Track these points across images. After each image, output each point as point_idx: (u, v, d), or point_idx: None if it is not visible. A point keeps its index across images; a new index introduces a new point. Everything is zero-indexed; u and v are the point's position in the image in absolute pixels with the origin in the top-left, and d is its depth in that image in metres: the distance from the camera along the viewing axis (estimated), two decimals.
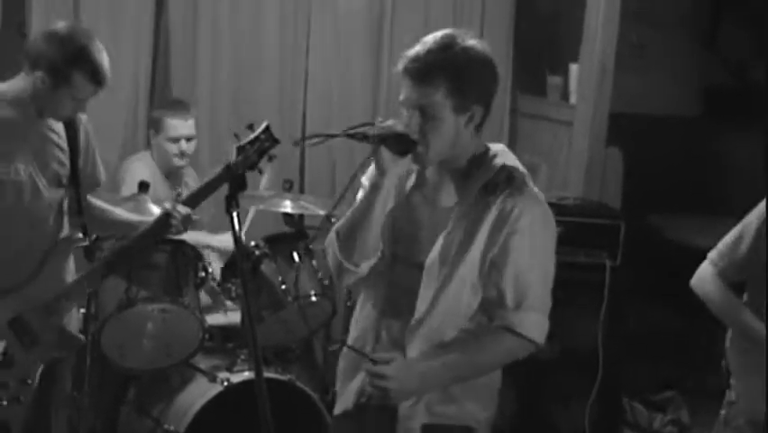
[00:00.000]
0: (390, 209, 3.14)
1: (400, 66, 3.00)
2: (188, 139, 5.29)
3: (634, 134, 6.64)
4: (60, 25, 3.65)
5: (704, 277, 3.88)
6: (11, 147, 3.61)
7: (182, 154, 5.27)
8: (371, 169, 3.11)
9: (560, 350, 5.29)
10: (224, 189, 3.34)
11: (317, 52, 6.23)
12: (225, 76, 5.99)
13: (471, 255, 3.06)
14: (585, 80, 6.19)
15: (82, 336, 3.97)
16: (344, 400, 3.27)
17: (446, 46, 2.98)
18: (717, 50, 7.27)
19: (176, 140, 5.25)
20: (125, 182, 5.09)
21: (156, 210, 4.47)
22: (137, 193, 4.58)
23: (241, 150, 3.37)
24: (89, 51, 3.55)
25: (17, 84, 3.64)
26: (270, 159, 3.43)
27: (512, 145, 6.79)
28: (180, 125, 5.26)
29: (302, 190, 6.14)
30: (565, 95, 6.46)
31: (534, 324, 3.15)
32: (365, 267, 3.12)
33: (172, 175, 5.34)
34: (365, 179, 3.18)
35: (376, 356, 3.07)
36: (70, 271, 3.90)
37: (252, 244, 4.76)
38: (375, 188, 3.03)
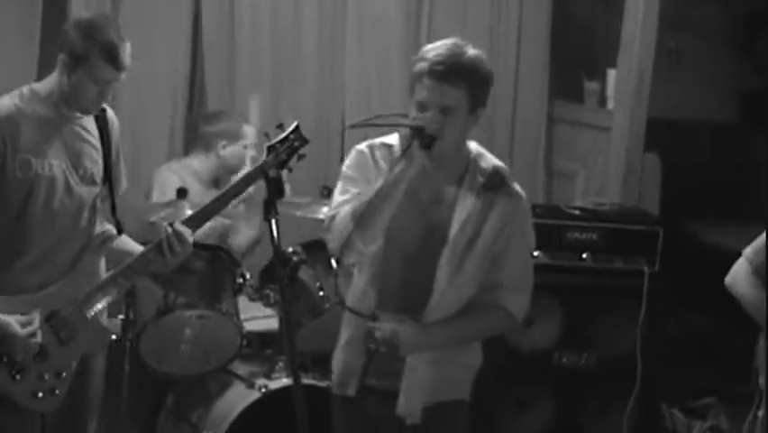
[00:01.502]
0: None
1: (423, 67, 3.29)
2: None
3: (671, 140, 6.61)
4: (87, 14, 3.78)
5: (739, 273, 3.90)
6: (44, 143, 3.64)
7: (251, 160, 5.32)
8: (354, 161, 3.49)
9: (598, 357, 5.28)
10: None
11: (354, 59, 6.25)
12: (264, 83, 6.01)
13: (478, 248, 3.44)
14: (623, 86, 6.18)
15: (112, 332, 4.02)
16: (345, 385, 3.61)
17: (462, 52, 3.31)
18: (754, 56, 7.24)
19: (251, 146, 5.35)
20: (154, 192, 5.12)
21: None
22: (175, 199, 4.59)
23: (271, 149, 3.53)
24: (105, 32, 3.57)
25: (50, 81, 3.69)
26: (300, 158, 3.57)
27: (549, 151, 6.79)
28: (252, 132, 5.40)
29: None
30: (602, 101, 6.45)
31: (520, 304, 3.56)
32: (372, 248, 3.40)
33: (218, 183, 5.39)
34: (348, 170, 3.50)
35: (382, 324, 3.44)
36: (104, 268, 3.90)
37: (290, 250, 4.77)
38: (403, 175, 3.30)
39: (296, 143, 3.54)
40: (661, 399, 5.70)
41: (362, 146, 3.53)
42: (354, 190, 3.42)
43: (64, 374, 3.75)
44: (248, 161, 5.34)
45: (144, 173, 5.62)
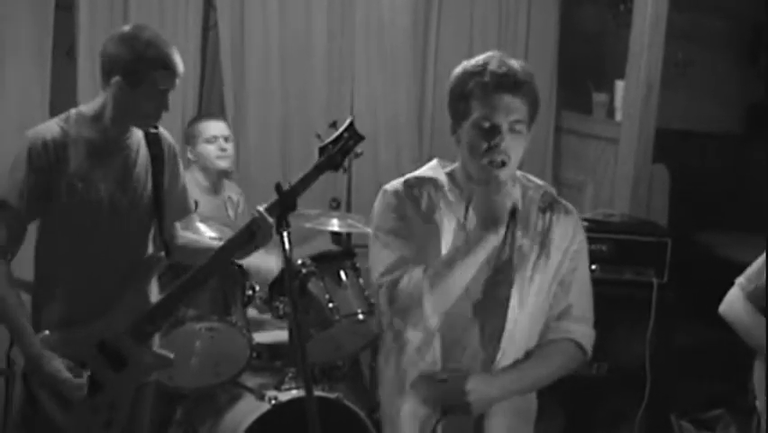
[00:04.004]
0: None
1: (483, 81, 2.93)
2: (226, 139, 5.37)
3: (680, 151, 6.62)
4: (124, 28, 3.60)
5: (733, 300, 3.93)
6: (91, 166, 3.54)
7: (223, 151, 5.34)
8: (389, 206, 3.15)
9: (607, 368, 5.27)
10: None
11: (363, 65, 6.28)
12: (273, 90, 6.04)
13: (545, 275, 3.12)
14: (631, 97, 6.18)
15: (171, 355, 3.77)
16: None
17: (514, 62, 2.97)
18: (760, 67, 7.25)
19: (213, 139, 5.34)
20: None
21: (204, 228, 4.50)
22: None
23: (323, 150, 3.28)
24: (154, 43, 3.49)
25: (97, 103, 3.58)
26: (357, 156, 3.31)
27: (557, 163, 6.80)
28: (213, 125, 5.39)
29: (349, 209, 6.16)
30: (611, 112, 6.46)
31: (589, 336, 3.25)
32: (435, 320, 3.01)
33: (217, 188, 5.40)
34: (386, 218, 3.15)
35: (449, 375, 3.05)
36: (155, 292, 3.81)
37: (300, 262, 4.77)
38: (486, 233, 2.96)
39: (350, 142, 3.26)
40: (670, 410, 5.69)
41: (395, 186, 3.19)
42: (398, 243, 3.07)
43: (120, 405, 3.63)
44: (217, 154, 5.34)
45: None
